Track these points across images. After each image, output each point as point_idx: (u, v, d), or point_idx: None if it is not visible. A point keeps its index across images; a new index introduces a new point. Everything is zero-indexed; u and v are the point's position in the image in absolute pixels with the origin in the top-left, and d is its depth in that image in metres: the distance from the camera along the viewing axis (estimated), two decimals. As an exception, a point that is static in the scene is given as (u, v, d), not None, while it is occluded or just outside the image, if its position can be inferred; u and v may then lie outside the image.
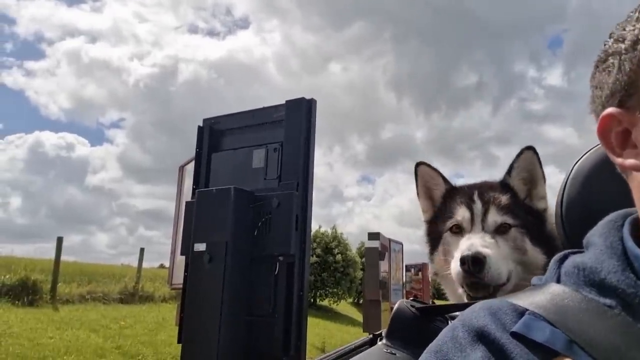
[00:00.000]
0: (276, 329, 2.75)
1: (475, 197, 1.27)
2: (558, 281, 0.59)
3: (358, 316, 21.05)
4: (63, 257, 11.81)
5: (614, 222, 0.61)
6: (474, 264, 1.13)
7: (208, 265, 2.73)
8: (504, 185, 1.30)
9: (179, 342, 3.05)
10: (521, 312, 0.56)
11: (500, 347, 0.53)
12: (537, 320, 0.54)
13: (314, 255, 21.47)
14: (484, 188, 1.31)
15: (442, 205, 1.37)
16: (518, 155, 1.28)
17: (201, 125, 3.27)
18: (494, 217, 1.23)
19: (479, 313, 0.59)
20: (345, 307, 24.20)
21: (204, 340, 2.72)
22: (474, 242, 1.19)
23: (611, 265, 0.54)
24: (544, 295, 0.57)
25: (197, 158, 3.24)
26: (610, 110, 0.59)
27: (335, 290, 22.20)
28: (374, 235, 7.87)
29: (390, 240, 9.50)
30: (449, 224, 1.30)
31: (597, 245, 0.59)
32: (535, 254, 1.22)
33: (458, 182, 1.42)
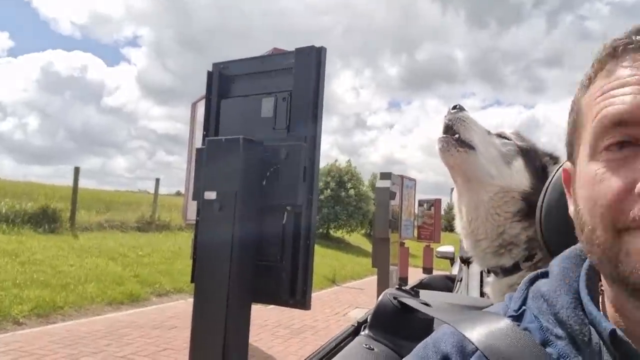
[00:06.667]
0: (284, 275, 2.84)
1: None
2: (524, 303, 0.65)
3: (369, 247, 21.57)
4: (82, 182, 12.12)
5: (576, 256, 0.66)
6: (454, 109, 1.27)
7: (218, 212, 2.79)
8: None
9: (192, 281, 3.18)
10: (474, 350, 0.62)
11: None
12: None
13: (328, 189, 21.66)
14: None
15: None
16: None
17: (210, 70, 3.23)
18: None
19: (448, 339, 0.66)
20: (357, 238, 24.73)
21: (216, 279, 2.83)
22: None
23: (565, 301, 0.60)
24: (497, 335, 0.61)
25: (207, 104, 3.22)
26: (565, 165, 0.67)
27: (348, 222, 22.59)
28: (385, 175, 7.89)
29: (402, 177, 9.55)
30: None
31: (558, 278, 0.64)
32: (519, 176, 1.20)
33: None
